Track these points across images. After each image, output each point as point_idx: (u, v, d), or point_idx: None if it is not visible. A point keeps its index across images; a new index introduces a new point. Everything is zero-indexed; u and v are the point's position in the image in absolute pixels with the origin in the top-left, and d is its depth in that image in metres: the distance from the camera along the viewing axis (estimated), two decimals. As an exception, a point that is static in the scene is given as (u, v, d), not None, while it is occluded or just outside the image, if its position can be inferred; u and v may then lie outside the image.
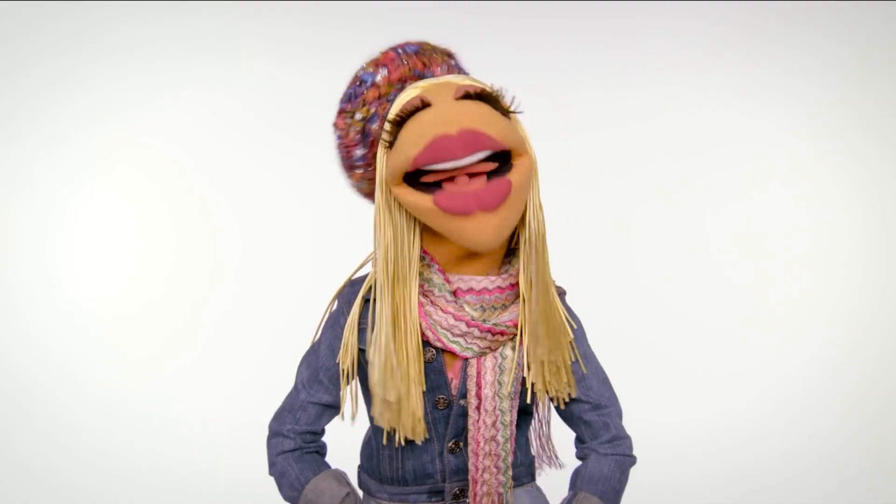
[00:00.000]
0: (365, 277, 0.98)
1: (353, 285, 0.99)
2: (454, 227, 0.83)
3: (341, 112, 0.94)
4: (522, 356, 0.93)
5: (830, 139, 2.83)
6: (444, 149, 0.78)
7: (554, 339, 0.91)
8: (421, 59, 0.91)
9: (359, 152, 0.94)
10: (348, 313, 0.95)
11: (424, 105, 0.83)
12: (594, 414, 0.98)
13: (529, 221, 0.90)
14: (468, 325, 0.90)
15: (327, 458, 1.03)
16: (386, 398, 0.89)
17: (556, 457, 1.08)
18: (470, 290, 0.91)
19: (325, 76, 2.77)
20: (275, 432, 1.00)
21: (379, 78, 0.90)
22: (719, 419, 2.60)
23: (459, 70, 0.96)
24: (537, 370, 0.92)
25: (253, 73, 2.76)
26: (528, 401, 0.95)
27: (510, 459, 0.94)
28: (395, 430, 0.91)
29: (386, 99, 0.91)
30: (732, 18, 2.83)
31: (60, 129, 2.67)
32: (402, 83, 0.91)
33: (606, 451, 0.98)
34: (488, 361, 0.92)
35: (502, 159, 0.84)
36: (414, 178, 0.84)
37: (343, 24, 2.78)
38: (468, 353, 0.91)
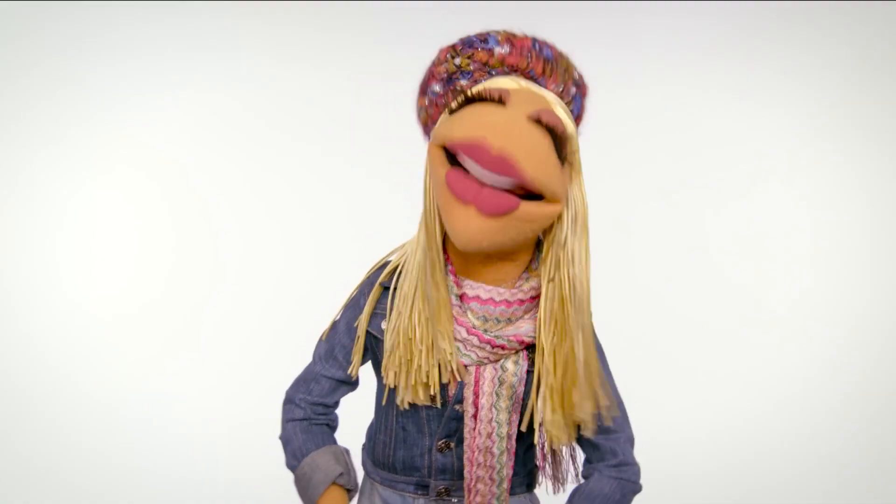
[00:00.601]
0: (389, 263, 0.99)
1: (380, 268, 1.00)
2: (447, 208, 0.82)
3: (452, 46, 0.92)
4: (524, 371, 0.92)
5: (830, 139, 2.83)
6: (478, 156, 0.78)
7: (574, 401, 0.88)
8: (545, 68, 0.89)
9: (436, 87, 0.92)
10: (368, 295, 0.97)
11: (501, 100, 0.81)
12: (602, 437, 0.97)
13: (565, 281, 0.87)
14: (468, 332, 0.89)
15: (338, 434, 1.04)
16: (403, 338, 0.90)
17: (565, 478, 1.05)
18: (476, 297, 0.90)
19: (325, 76, 2.80)
20: (288, 398, 1.03)
21: (497, 49, 0.89)
22: (719, 419, 2.60)
23: (573, 103, 0.93)
24: (554, 430, 0.90)
25: (253, 73, 2.76)
26: (533, 439, 0.93)
27: (506, 472, 0.93)
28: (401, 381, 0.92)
29: (490, 71, 0.89)
30: (732, 18, 2.83)
31: (60, 129, 2.67)
32: (513, 70, 0.89)
33: (611, 474, 0.97)
34: (487, 372, 0.91)
35: (535, 195, 0.82)
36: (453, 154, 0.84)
37: (343, 24, 2.78)
38: (465, 360, 0.90)
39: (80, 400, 2.53)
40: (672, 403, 2.58)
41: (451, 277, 0.90)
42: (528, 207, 0.80)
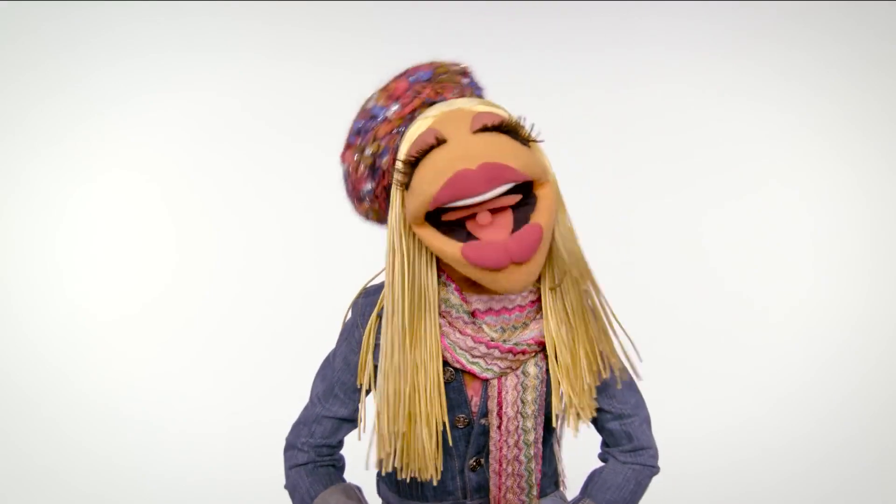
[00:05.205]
0: (380, 288, 0.95)
1: (367, 296, 0.95)
2: (483, 277, 0.79)
3: (350, 146, 0.90)
4: (544, 372, 0.90)
5: (830, 139, 2.83)
6: (466, 185, 0.74)
7: (595, 367, 0.88)
8: (434, 88, 0.88)
9: (367, 186, 0.91)
10: (363, 327, 0.93)
11: (440, 142, 0.79)
12: (616, 423, 0.97)
13: (561, 249, 0.85)
14: (488, 347, 0.87)
15: (346, 473, 1.02)
16: (390, 431, 0.85)
17: (563, 475, 1.05)
18: (489, 310, 0.88)
19: (324, 76, 2.79)
20: (290, 445, 0.99)
21: (391, 112, 0.87)
22: (719, 419, 2.60)
23: (472, 90, 0.92)
24: (573, 398, 0.89)
25: (253, 73, 2.76)
26: (554, 424, 0.92)
27: (535, 478, 0.93)
28: (402, 467, 0.88)
29: (397, 131, 0.87)
30: (732, 18, 2.83)
31: (59, 130, 2.66)
32: (413, 114, 0.87)
33: (626, 460, 0.97)
34: (509, 381, 0.89)
35: (525, 190, 0.81)
36: (435, 216, 0.80)
37: (343, 24, 2.78)
38: (488, 374, 0.89)
39: (80, 400, 2.53)
40: (672, 403, 2.57)
41: (458, 296, 0.88)
42: (542, 216, 0.79)
